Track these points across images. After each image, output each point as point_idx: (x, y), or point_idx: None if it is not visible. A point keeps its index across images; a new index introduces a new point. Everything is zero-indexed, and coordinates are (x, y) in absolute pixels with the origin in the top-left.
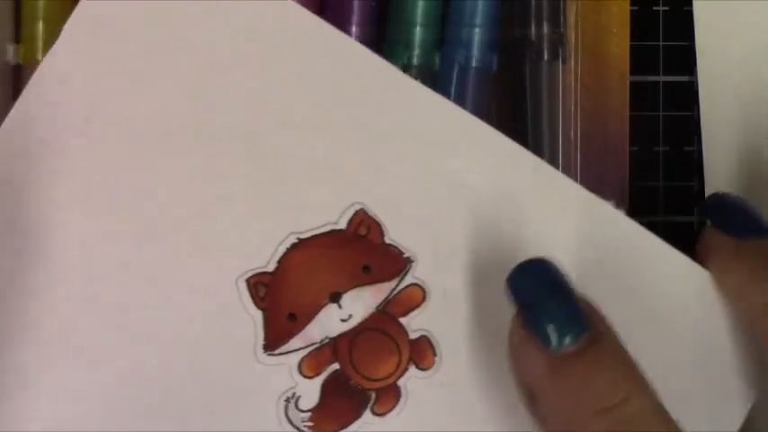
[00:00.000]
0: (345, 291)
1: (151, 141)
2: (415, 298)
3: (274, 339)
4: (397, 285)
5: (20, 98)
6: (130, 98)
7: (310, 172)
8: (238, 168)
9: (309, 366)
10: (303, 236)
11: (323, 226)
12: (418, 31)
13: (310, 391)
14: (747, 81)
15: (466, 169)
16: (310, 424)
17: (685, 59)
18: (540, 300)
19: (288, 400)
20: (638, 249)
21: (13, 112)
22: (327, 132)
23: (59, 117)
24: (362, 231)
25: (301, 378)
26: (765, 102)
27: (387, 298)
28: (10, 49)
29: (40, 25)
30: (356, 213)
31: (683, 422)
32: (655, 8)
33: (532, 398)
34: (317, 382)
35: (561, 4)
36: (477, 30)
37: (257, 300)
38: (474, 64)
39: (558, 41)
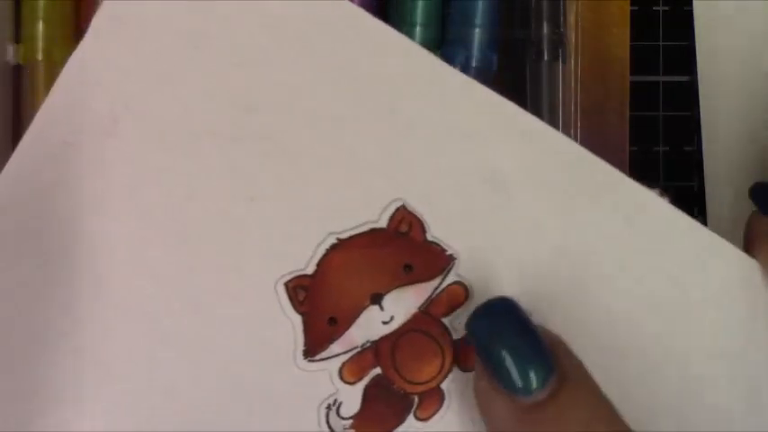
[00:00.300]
0: (387, 292)
1: (180, 142)
2: (458, 297)
3: (314, 344)
4: (440, 284)
5: (46, 100)
6: (159, 97)
7: (346, 169)
8: (270, 169)
9: (351, 372)
10: (342, 236)
11: (362, 225)
12: (418, 31)
13: (352, 397)
14: (747, 81)
15: (507, 162)
16: (352, 431)
17: (685, 59)
18: (501, 345)
19: (329, 407)
20: (684, 239)
21: (39, 114)
22: (362, 127)
23: (87, 118)
24: (404, 229)
25: (342, 384)
26: (765, 101)
27: (429, 298)
28: (10, 49)
29: (40, 25)
30: (397, 210)
31: (733, 413)
32: (655, 8)
33: None
34: (359, 387)
35: (561, 4)
36: (477, 30)
37: (296, 304)
38: (474, 64)
39: (558, 41)
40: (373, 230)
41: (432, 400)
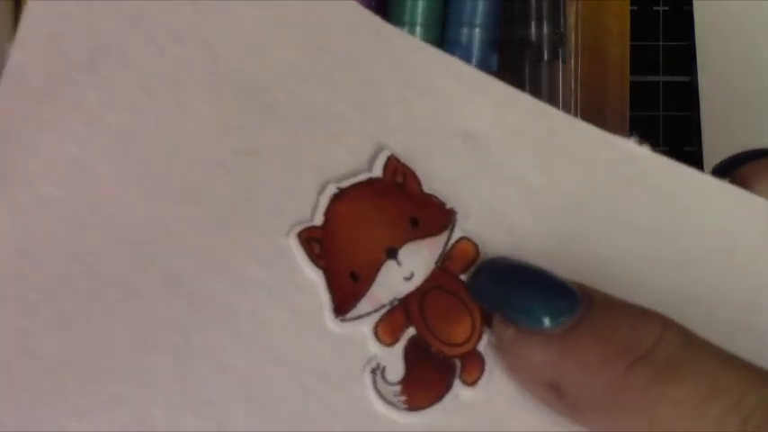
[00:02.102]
0: (400, 245)
1: (157, 84)
2: (468, 252)
3: (342, 302)
4: (449, 239)
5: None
6: (136, 39)
7: (331, 122)
8: (255, 122)
9: (386, 331)
10: (343, 185)
11: (359, 174)
12: (418, 31)
13: (394, 360)
14: (747, 81)
15: (481, 123)
16: (403, 398)
17: (685, 59)
18: (517, 287)
19: (374, 372)
20: (681, 187)
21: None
22: (342, 85)
23: (63, 51)
24: (399, 179)
25: (380, 346)
26: (765, 101)
27: (442, 253)
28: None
29: None
30: (389, 159)
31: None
32: (655, 8)
33: (555, 389)
34: (398, 349)
35: (561, 4)
36: (477, 30)
37: (314, 257)
38: (474, 64)
39: (558, 41)
40: (371, 180)
41: (473, 363)
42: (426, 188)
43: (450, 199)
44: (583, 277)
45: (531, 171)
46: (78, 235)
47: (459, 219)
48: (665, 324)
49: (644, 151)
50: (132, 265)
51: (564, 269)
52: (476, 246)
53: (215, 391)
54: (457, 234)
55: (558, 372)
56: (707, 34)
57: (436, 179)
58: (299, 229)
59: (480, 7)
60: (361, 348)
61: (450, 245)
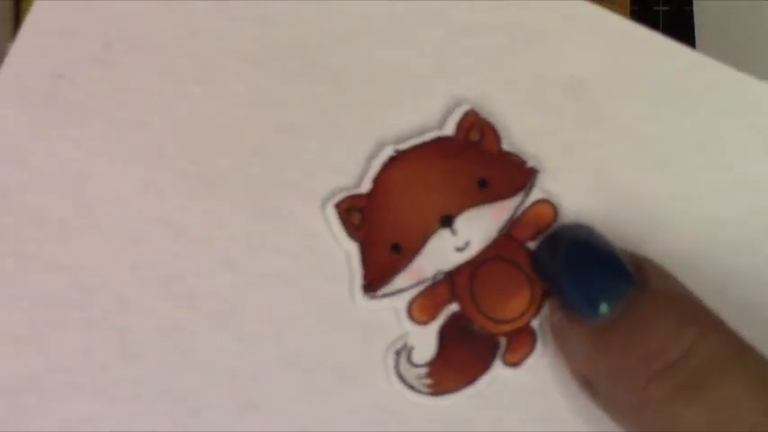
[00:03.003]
0: (459, 212)
1: (184, 67)
2: (544, 216)
3: (376, 277)
4: (522, 202)
5: (23, 27)
6: (156, 16)
7: (400, 72)
8: (300, 90)
9: (422, 309)
10: (402, 147)
11: (425, 133)
12: None
13: (425, 341)
14: None
15: (587, 68)
16: (428, 381)
17: None
18: (569, 268)
19: (398, 353)
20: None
21: (16, 45)
22: (413, 28)
23: (74, 45)
24: (475, 137)
25: (412, 324)
26: None
27: (511, 218)
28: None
29: None
30: (465, 115)
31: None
32: (655, 8)
33: (590, 386)
34: (433, 328)
35: None
36: None
37: (351, 229)
38: None
39: None
40: (439, 139)
41: (522, 340)
42: (508, 145)
43: (539, 155)
44: (684, 250)
45: (644, 120)
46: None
47: (543, 178)
48: (704, 331)
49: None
50: (130, 270)
51: (661, 240)
52: (554, 209)
53: (210, 398)
54: (535, 195)
55: (591, 369)
56: (707, 34)
57: (523, 134)
58: (339, 198)
59: None
60: (389, 326)
61: (522, 208)
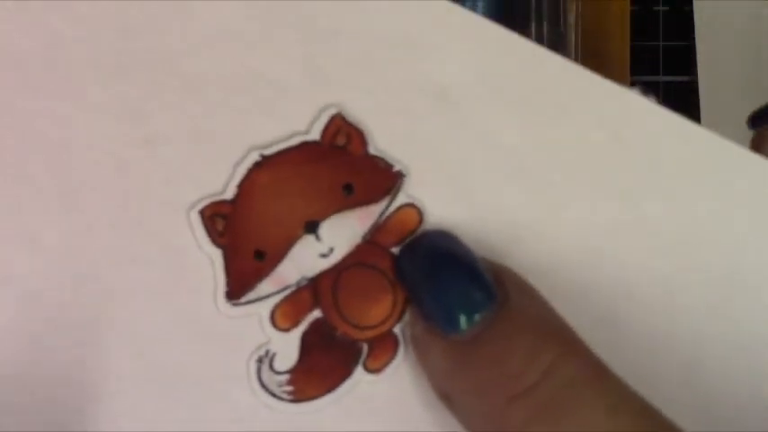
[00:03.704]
0: (324, 218)
1: (42, 81)
2: (409, 221)
3: (239, 284)
4: (388, 207)
5: None
6: (9, 28)
7: (265, 78)
8: (164, 99)
9: (285, 315)
10: (267, 152)
11: (290, 138)
12: None
13: (287, 348)
14: (747, 81)
15: (454, 72)
16: (289, 388)
17: (685, 59)
18: (426, 279)
19: (260, 361)
20: (684, 145)
21: None
22: (276, 33)
23: None
24: (341, 141)
25: (275, 331)
26: (765, 101)
27: (375, 223)
28: None
29: None
30: (332, 119)
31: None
32: (655, 8)
33: (450, 399)
34: (295, 335)
35: (561, 4)
36: None
37: (215, 235)
38: None
39: (558, 41)
40: (304, 144)
41: (384, 347)
42: (374, 150)
43: (403, 161)
44: (550, 255)
45: (507, 129)
46: None
47: (408, 183)
48: (562, 352)
49: (647, 104)
50: None
51: (523, 247)
52: (420, 214)
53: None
54: (401, 200)
55: (450, 385)
56: (707, 34)
57: (388, 139)
58: (202, 205)
59: (480, 7)
60: (251, 334)
61: (387, 213)
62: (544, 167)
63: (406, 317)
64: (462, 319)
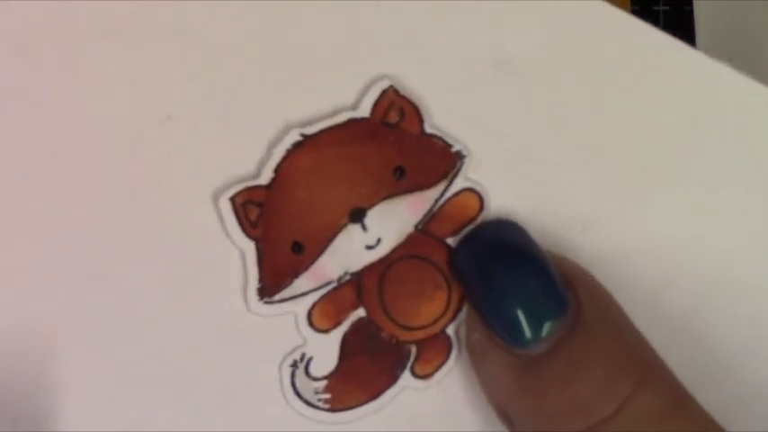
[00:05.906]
0: (371, 205)
1: (53, 49)
2: (468, 208)
3: (273, 280)
4: (444, 192)
5: None
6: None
7: (303, 48)
8: (184, 72)
9: (324, 315)
10: (308, 131)
11: (336, 115)
12: None
13: (326, 351)
14: None
15: (521, 41)
16: (326, 396)
17: None
18: (491, 283)
19: (295, 365)
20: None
21: None
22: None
23: None
24: (393, 118)
25: (312, 332)
26: None
27: (429, 211)
28: None
29: None
30: (384, 93)
31: None
32: (655, 8)
33: (508, 418)
34: (335, 336)
35: None
36: None
37: (248, 226)
38: None
39: None
40: (351, 121)
41: (435, 349)
42: (430, 128)
43: (463, 140)
44: (620, 247)
45: (577, 105)
46: None
47: (468, 165)
48: (640, 380)
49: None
50: None
51: (596, 238)
52: (480, 200)
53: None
54: (459, 184)
55: (511, 403)
56: (707, 34)
57: (446, 116)
58: (233, 191)
59: None
60: (285, 335)
61: (444, 199)
62: (619, 149)
63: (461, 316)
64: (528, 330)
